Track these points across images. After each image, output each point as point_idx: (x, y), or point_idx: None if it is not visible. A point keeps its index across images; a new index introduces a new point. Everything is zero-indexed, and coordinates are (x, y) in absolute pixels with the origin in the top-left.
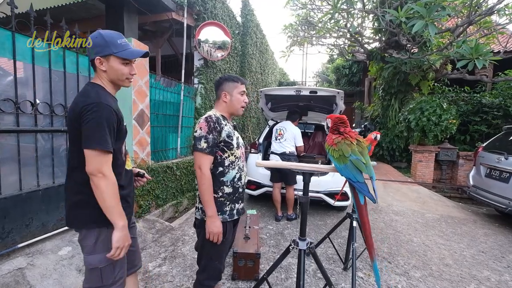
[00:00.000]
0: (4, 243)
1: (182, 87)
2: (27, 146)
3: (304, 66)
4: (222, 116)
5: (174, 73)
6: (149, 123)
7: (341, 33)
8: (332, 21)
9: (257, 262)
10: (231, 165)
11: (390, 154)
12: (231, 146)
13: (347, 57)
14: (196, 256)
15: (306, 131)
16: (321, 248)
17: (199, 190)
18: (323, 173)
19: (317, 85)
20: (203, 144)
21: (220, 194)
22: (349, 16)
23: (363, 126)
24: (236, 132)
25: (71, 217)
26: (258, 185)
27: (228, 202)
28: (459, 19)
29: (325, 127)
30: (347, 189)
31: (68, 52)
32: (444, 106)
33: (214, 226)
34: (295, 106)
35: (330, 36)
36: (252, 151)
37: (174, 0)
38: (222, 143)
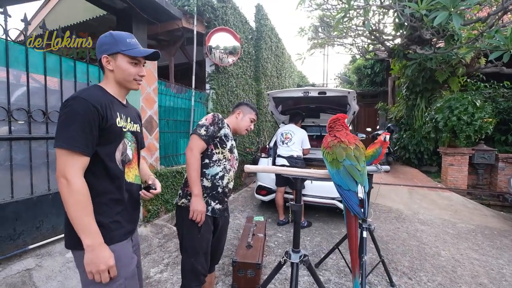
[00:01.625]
0: (15, 244)
1: (193, 93)
2: (39, 151)
3: (325, 68)
4: (228, 124)
5: (188, 80)
6: (157, 129)
7: (359, 32)
8: (346, 19)
9: (258, 273)
10: (217, 162)
11: (417, 157)
12: (224, 145)
13: (366, 56)
14: None
15: (322, 134)
16: (332, 260)
17: (187, 170)
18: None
19: (339, 87)
20: (203, 131)
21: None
22: (365, 13)
23: (386, 127)
24: (233, 142)
25: (65, 235)
26: (269, 191)
27: (204, 194)
28: (493, 7)
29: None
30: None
31: (78, 62)
32: (478, 104)
33: (199, 204)
34: (306, 108)
35: (347, 36)
36: (262, 156)
37: (182, 9)
38: (218, 139)
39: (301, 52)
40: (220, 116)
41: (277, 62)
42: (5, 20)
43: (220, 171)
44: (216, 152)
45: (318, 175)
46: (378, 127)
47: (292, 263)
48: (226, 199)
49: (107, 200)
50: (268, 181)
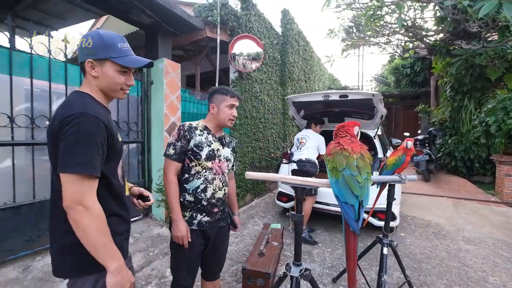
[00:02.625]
0: None
1: None
2: None
3: (360, 70)
4: (205, 126)
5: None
6: None
7: (394, 29)
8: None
9: (268, 282)
10: (196, 175)
11: (466, 165)
12: (198, 156)
13: (403, 55)
14: None
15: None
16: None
17: (166, 194)
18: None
19: (376, 89)
20: (171, 151)
21: (182, 199)
22: (398, 8)
23: (427, 132)
24: (217, 145)
25: (59, 264)
26: (290, 197)
27: (189, 209)
28: None
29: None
30: (393, 206)
31: None
32: None
33: (178, 230)
34: (330, 113)
35: (380, 35)
36: (283, 161)
37: (205, 20)
38: (190, 152)
39: (330, 55)
40: (187, 125)
41: (305, 65)
42: (49, 41)
43: (201, 184)
44: (192, 166)
45: (319, 184)
46: (419, 131)
47: (291, 277)
48: (216, 209)
49: (114, 220)
50: (288, 187)
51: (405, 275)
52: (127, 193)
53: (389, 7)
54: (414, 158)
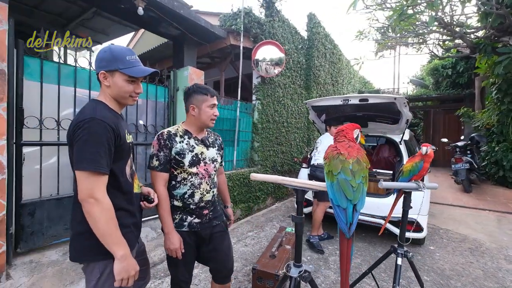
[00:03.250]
0: None
1: (238, 104)
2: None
3: (397, 71)
4: (185, 130)
5: (237, 93)
6: None
7: (430, 28)
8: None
9: (277, 284)
10: (182, 181)
11: None
12: (181, 164)
13: (441, 55)
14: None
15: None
16: (370, 287)
17: (157, 206)
18: (384, 195)
19: (413, 92)
20: (155, 162)
21: (171, 204)
22: (430, 7)
23: (469, 138)
24: (200, 148)
25: (74, 249)
26: (309, 202)
27: (178, 212)
28: None
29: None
30: (418, 217)
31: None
32: None
33: (170, 243)
34: (352, 117)
35: (413, 35)
36: (303, 166)
37: (229, 28)
38: (173, 161)
39: (359, 57)
40: (166, 133)
41: (332, 69)
42: (90, 55)
43: (188, 190)
44: (178, 173)
45: (318, 187)
46: (462, 137)
47: (290, 277)
48: (206, 211)
49: (121, 214)
50: (310, 192)
51: None
52: (137, 190)
53: (420, 5)
54: (453, 166)
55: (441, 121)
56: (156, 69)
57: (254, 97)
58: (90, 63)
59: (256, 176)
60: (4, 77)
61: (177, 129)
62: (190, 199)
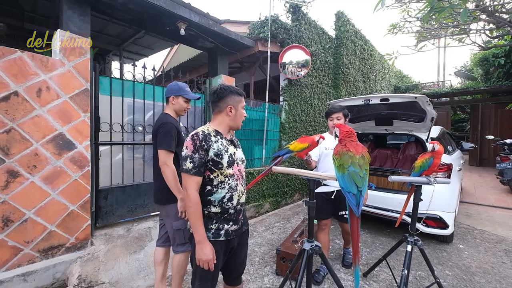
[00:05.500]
0: (144, 211)
1: (266, 106)
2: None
3: (441, 63)
4: (216, 131)
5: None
6: None
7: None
8: (436, 10)
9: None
10: (220, 185)
11: None
12: (220, 165)
13: (486, 46)
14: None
15: (390, 142)
16: (386, 274)
17: (187, 212)
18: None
19: (460, 85)
20: (189, 165)
21: (207, 212)
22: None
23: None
24: (232, 148)
25: (159, 196)
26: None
27: (214, 221)
28: None
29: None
30: (443, 214)
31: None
32: None
33: (203, 253)
34: (377, 116)
35: (451, 27)
36: None
37: (258, 37)
38: (210, 162)
39: (391, 52)
40: (200, 134)
41: (363, 65)
42: (133, 69)
43: (227, 193)
44: (214, 176)
45: (327, 177)
46: None
47: (303, 250)
48: (241, 216)
49: (177, 176)
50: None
51: (434, 276)
52: None
53: None
54: (498, 165)
55: (491, 116)
56: (192, 76)
57: (281, 98)
58: (144, 78)
59: (277, 169)
60: (88, 94)
61: (208, 129)
62: (229, 203)
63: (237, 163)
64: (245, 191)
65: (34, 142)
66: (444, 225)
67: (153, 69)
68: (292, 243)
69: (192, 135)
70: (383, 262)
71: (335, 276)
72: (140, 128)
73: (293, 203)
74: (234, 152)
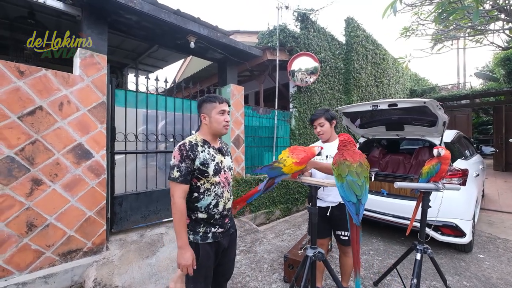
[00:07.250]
0: (157, 217)
1: (276, 113)
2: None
3: (461, 64)
4: (204, 140)
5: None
6: (243, 144)
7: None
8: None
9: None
10: (206, 192)
11: None
12: (205, 174)
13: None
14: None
15: (404, 147)
16: (398, 283)
17: (172, 218)
18: None
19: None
20: (176, 173)
21: (194, 217)
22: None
23: None
24: (219, 156)
25: None
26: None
27: (202, 224)
28: None
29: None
30: (459, 221)
31: (193, 101)
32: None
33: (182, 258)
34: (388, 121)
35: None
36: None
37: (266, 46)
38: (197, 171)
39: (404, 55)
40: (187, 144)
41: (375, 70)
42: (147, 82)
43: (212, 200)
44: (201, 184)
45: (328, 184)
46: None
47: (306, 256)
48: (227, 220)
49: None
50: None
51: (447, 286)
52: None
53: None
54: None
55: None
56: (204, 86)
57: (291, 105)
58: (157, 89)
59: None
60: (105, 106)
61: (196, 139)
62: (215, 209)
63: (224, 171)
64: (231, 197)
65: (56, 152)
66: (461, 233)
67: (165, 81)
68: (299, 250)
69: (180, 146)
70: (395, 271)
71: (339, 283)
72: (154, 137)
73: (304, 210)
74: (222, 161)
